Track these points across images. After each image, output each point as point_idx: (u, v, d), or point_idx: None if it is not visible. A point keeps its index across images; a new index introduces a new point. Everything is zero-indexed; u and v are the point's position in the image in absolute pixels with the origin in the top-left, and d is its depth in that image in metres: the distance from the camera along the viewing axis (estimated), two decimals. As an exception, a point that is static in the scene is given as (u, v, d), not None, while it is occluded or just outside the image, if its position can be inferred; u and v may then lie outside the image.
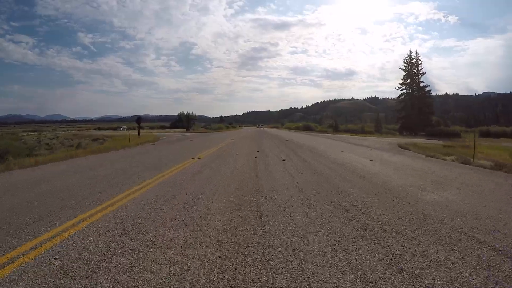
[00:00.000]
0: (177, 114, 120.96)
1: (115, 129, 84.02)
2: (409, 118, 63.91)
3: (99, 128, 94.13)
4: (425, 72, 66.15)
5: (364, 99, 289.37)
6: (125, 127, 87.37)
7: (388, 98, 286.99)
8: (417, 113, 63.17)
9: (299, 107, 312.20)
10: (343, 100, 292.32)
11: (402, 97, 67.32)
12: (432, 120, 64.52)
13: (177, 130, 62.98)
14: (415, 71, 66.56)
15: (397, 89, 67.69)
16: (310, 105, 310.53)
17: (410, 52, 67.50)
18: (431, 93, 65.63)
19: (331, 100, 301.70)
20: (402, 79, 67.09)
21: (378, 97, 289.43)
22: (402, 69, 67.15)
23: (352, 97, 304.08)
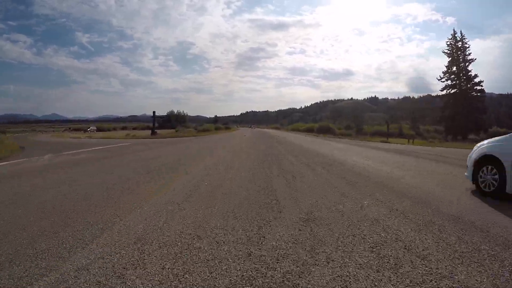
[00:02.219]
0: (174, 114, 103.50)
1: (85, 130, 65.92)
2: (456, 118, 45.69)
3: (69, 128, 77.14)
4: (474, 59, 47.97)
5: (364, 99, 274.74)
6: (95, 128, 69.80)
7: (388, 99, 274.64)
8: (466, 111, 45.02)
9: (298, 107, 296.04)
10: (343, 100, 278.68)
11: (446, 90, 49.04)
12: (485, 121, 46.56)
13: (142, 133, 44.81)
14: (460, 57, 48.39)
15: (439, 80, 49.47)
16: (308, 105, 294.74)
17: (454, 32, 49.22)
18: (482, 85, 47.28)
19: (330, 100, 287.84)
20: (446, 66, 48.89)
21: (378, 97, 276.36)
22: (446, 53, 49.03)
23: (352, 97, 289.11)
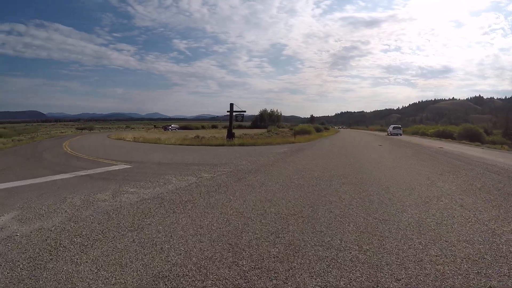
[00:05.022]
0: (267, 112, 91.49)
1: (165, 128, 56.79)
2: None
3: (154, 126, 70.44)
4: None
5: (466, 99, 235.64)
6: (176, 126, 60.46)
7: (494, 98, 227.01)
8: None
9: (395, 108, 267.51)
10: (443, 100, 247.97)
11: None
12: None
13: (221, 133, 32.10)
14: None
15: None
16: (406, 105, 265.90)
17: None
18: None
19: (429, 100, 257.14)
20: None
21: (482, 97, 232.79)
22: None
23: (453, 97, 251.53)
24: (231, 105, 24.62)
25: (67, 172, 8.77)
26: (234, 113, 24.82)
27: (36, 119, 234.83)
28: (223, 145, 19.51)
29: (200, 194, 5.80)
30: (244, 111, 25.56)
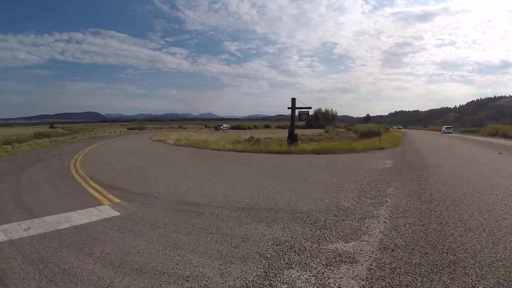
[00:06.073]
0: (321, 111, 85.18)
1: (217, 128, 52.67)
2: None
3: (206, 126, 67.67)
4: None
5: None
6: (228, 126, 56.02)
7: None
8: None
9: (451, 106, 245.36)
10: (503, 97, 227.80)
11: None
12: None
13: (277, 134, 26.25)
14: None
15: None
16: (464, 104, 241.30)
17: None
18: None
19: (489, 98, 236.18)
20: None
21: None
22: None
23: None
24: (293, 100, 18.50)
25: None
26: (297, 110, 18.80)
27: (95, 119, 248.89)
28: (289, 152, 13.68)
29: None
30: (310, 107, 19.27)
